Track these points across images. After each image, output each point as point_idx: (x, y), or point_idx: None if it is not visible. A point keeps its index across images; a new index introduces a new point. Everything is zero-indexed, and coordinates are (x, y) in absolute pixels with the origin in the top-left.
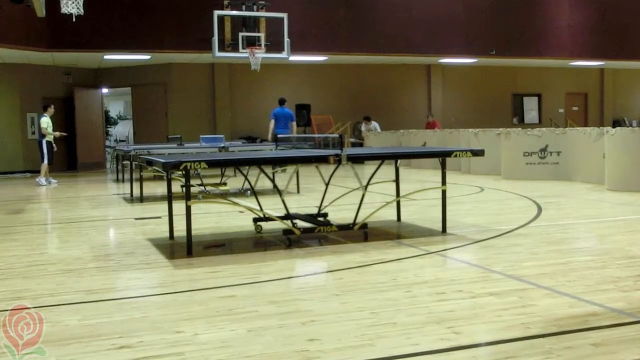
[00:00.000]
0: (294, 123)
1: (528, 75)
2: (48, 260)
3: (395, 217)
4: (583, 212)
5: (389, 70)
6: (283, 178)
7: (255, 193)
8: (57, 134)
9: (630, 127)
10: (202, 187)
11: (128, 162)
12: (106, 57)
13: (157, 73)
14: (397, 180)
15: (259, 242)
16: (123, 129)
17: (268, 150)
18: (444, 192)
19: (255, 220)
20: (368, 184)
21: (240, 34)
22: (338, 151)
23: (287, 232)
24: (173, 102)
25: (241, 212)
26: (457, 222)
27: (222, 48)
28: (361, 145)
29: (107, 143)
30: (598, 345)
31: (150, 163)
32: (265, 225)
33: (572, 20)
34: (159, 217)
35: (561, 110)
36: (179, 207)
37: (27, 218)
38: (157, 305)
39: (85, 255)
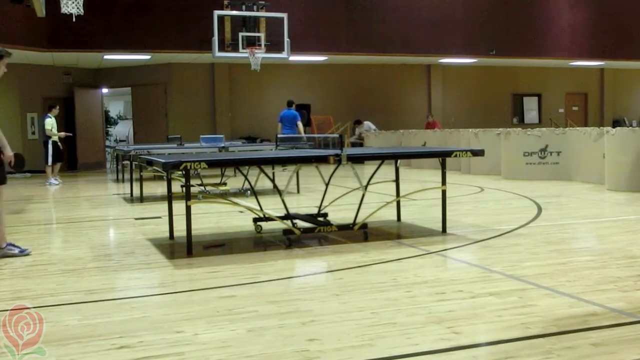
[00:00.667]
0: (300, 123)
1: (528, 75)
2: (48, 260)
3: (395, 217)
4: (583, 212)
5: (389, 70)
6: (284, 178)
7: (255, 193)
8: (62, 134)
9: (630, 127)
10: (202, 187)
11: (128, 162)
12: (106, 57)
13: (157, 73)
14: (397, 180)
15: (259, 242)
16: (123, 129)
17: (268, 150)
18: (444, 192)
19: (255, 220)
20: (368, 184)
21: (240, 34)
22: (338, 151)
23: (287, 232)
24: (173, 102)
25: (241, 212)
26: (457, 222)
27: (222, 48)
28: (361, 145)
29: (107, 143)
30: (598, 345)
31: (150, 163)
32: (265, 225)
33: (572, 20)
34: (159, 217)
35: (561, 110)
36: (179, 207)
37: (27, 218)
38: (157, 305)
39: (85, 255)
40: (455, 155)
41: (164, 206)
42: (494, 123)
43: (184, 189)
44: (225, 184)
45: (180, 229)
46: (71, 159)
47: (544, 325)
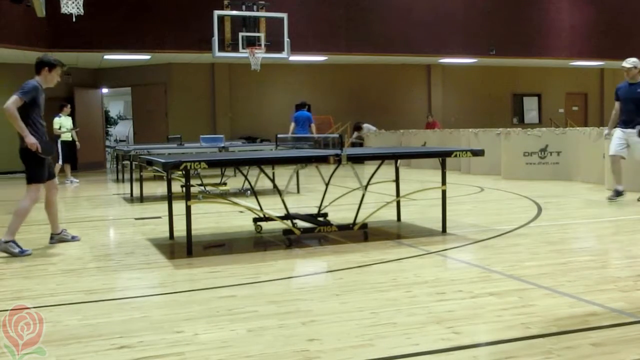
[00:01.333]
0: (313, 125)
1: (528, 75)
2: (48, 260)
3: (395, 217)
4: (583, 212)
5: (389, 71)
6: (284, 178)
7: (255, 193)
8: (74, 131)
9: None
10: (202, 187)
11: (128, 162)
12: (106, 57)
13: (157, 73)
14: (397, 180)
15: (259, 242)
16: (123, 129)
17: (268, 150)
18: (444, 192)
19: (255, 220)
20: (368, 184)
21: (240, 34)
22: (338, 151)
23: (287, 232)
24: (173, 102)
25: (241, 212)
26: (457, 222)
27: (222, 48)
28: (361, 145)
29: (107, 143)
30: (598, 345)
31: (150, 163)
32: (265, 225)
33: (572, 20)
34: (159, 217)
35: (561, 110)
36: (179, 207)
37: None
38: (157, 305)
39: (85, 255)
40: (455, 155)
41: (164, 206)
42: (494, 123)
43: (184, 189)
44: (225, 184)
45: (180, 229)
46: (71, 159)
47: (544, 325)
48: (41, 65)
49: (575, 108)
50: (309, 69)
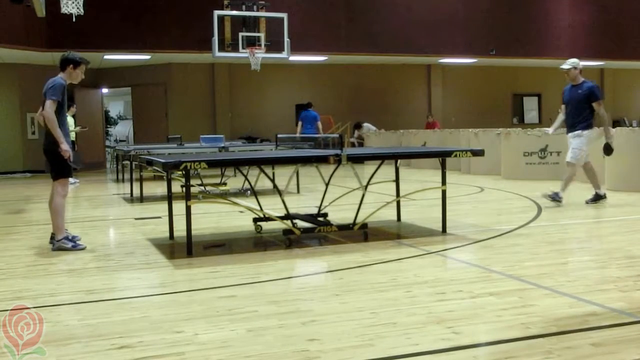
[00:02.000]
0: (319, 123)
1: (528, 75)
2: (48, 260)
3: (395, 217)
4: (583, 212)
5: (389, 70)
6: (284, 178)
7: (255, 193)
8: (78, 129)
9: (630, 127)
10: (202, 187)
11: (128, 162)
12: (106, 57)
13: (157, 73)
14: (397, 180)
15: (259, 242)
16: (123, 129)
17: (268, 150)
18: (444, 192)
19: (255, 220)
20: (368, 184)
21: (240, 34)
22: (338, 151)
23: (287, 232)
24: (173, 102)
25: (241, 212)
26: (457, 222)
27: (222, 48)
28: (361, 145)
29: (107, 143)
30: (598, 345)
31: (150, 163)
32: (265, 225)
33: (572, 20)
34: (159, 217)
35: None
36: (179, 207)
37: (27, 218)
38: (157, 305)
39: (85, 255)
40: (455, 155)
41: (164, 206)
42: (494, 123)
43: (184, 189)
44: (225, 184)
45: (180, 229)
46: None
47: (544, 325)
48: (66, 63)
49: None
50: (309, 69)
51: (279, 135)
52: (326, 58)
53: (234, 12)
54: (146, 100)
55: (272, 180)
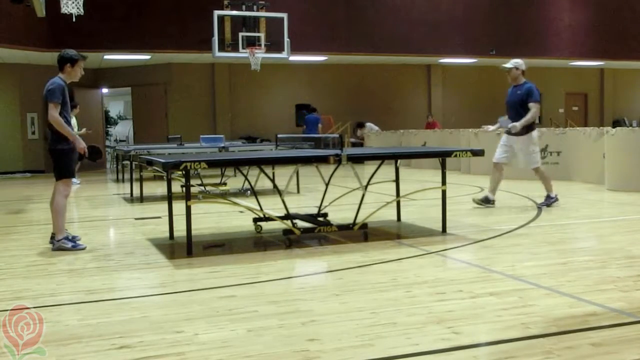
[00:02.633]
0: (320, 125)
1: (528, 75)
2: (48, 260)
3: (395, 217)
4: (583, 212)
5: (389, 70)
6: (284, 178)
7: (255, 193)
8: (83, 131)
9: (630, 127)
10: (202, 187)
11: (128, 162)
12: (106, 57)
13: (157, 73)
14: (397, 180)
15: (259, 242)
16: (123, 129)
17: (268, 150)
18: (444, 192)
19: (255, 220)
20: (368, 184)
21: (240, 34)
22: (338, 151)
23: (287, 232)
24: (173, 102)
25: (241, 212)
26: (457, 222)
27: (222, 48)
28: (361, 145)
29: (107, 143)
30: (598, 345)
31: (150, 163)
32: (265, 225)
33: (572, 20)
34: (159, 217)
35: (561, 110)
36: (179, 207)
37: (27, 218)
38: (157, 305)
39: (85, 255)
40: (455, 155)
41: (164, 206)
42: (494, 123)
43: (184, 189)
44: (225, 184)
45: (180, 229)
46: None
47: (544, 325)
48: (63, 62)
49: (575, 108)
50: (309, 69)
51: (279, 135)
52: (326, 58)
53: (234, 12)
54: (146, 100)
55: (272, 180)
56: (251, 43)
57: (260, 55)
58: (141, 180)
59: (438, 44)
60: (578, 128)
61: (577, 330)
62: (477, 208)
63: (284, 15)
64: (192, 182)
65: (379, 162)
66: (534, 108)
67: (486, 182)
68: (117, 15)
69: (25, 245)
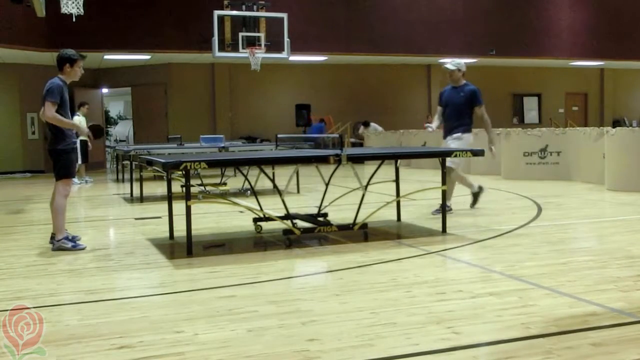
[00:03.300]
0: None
1: (528, 75)
2: (48, 260)
3: (395, 217)
4: (583, 212)
5: (388, 70)
6: (284, 178)
7: (255, 193)
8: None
9: (630, 127)
10: (202, 187)
11: (128, 162)
12: (106, 57)
13: (157, 73)
14: (397, 180)
15: (259, 242)
16: (123, 129)
17: (268, 150)
18: (444, 192)
19: (255, 220)
20: (368, 184)
21: (240, 34)
22: (338, 151)
23: (287, 232)
24: (173, 102)
25: (241, 212)
26: (457, 222)
27: (222, 48)
28: (361, 145)
29: (107, 143)
30: (598, 345)
31: (150, 163)
32: (265, 225)
33: (572, 20)
34: (159, 217)
35: (561, 110)
36: (179, 207)
37: (27, 218)
38: (157, 305)
39: (85, 255)
40: (455, 156)
41: (164, 206)
42: (494, 123)
43: (184, 189)
44: (225, 184)
45: (180, 229)
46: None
47: (544, 325)
48: (62, 62)
49: (575, 108)
50: (309, 69)
51: (279, 135)
52: (326, 58)
53: (234, 12)
54: (146, 100)
55: (272, 180)
56: (251, 43)
57: (260, 55)
58: (141, 180)
59: (438, 44)
60: (578, 128)
61: (577, 330)
62: (477, 208)
63: (284, 15)
64: (192, 182)
65: (379, 162)
66: (485, 113)
67: (486, 182)
68: (117, 15)
69: (25, 245)
